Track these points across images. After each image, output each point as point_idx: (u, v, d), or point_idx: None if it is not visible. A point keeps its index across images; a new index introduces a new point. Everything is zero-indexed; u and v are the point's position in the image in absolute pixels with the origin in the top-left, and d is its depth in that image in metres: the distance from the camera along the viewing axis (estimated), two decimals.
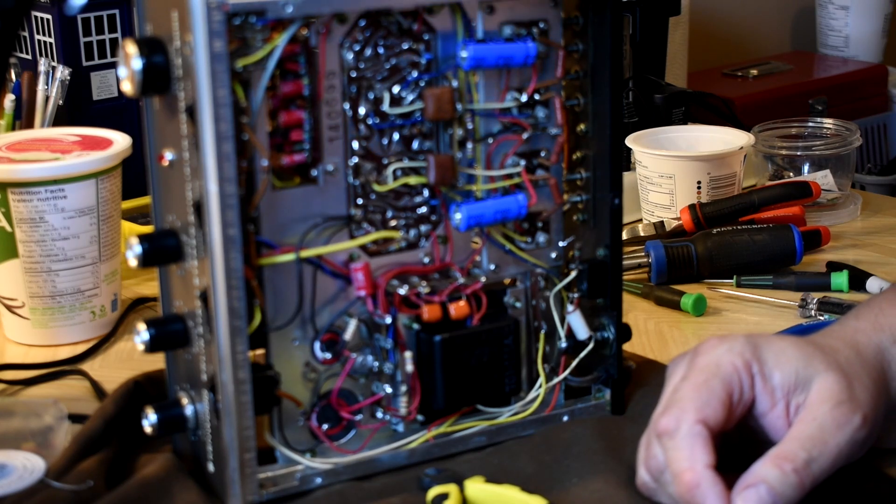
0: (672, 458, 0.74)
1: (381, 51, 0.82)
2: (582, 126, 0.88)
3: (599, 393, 0.91)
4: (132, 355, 1.07)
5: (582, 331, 0.89)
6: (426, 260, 0.85)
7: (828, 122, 1.42)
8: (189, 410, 0.81)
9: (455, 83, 0.84)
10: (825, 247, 1.25)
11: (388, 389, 0.85)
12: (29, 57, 1.41)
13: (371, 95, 0.82)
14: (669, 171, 1.27)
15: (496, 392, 0.87)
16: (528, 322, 0.89)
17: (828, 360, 0.77)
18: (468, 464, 0.84)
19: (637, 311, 1.13)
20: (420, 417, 0.85)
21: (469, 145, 0.85)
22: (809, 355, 0.77)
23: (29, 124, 1.34)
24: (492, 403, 0.88)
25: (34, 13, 1.38)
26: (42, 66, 1.34)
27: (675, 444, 0.74)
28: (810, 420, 0.75)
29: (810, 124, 1.43)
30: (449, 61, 0.83)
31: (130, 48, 0.77)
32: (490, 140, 0.85)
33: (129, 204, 1.26)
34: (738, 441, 0.79)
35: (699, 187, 1.27)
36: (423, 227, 0.85)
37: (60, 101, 1.34)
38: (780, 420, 0.77)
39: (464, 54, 0.83)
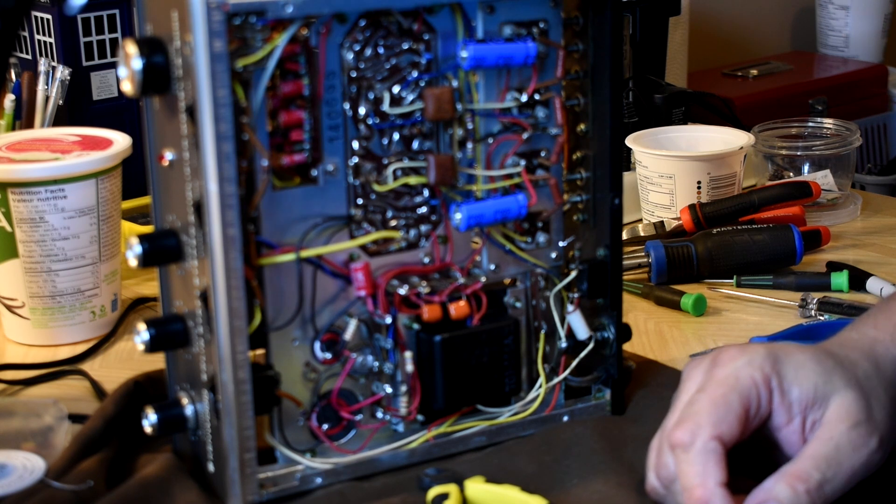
0: (684, 471, 0.74)
1: (381, 51, 0.82)
2: (582, 126, 0.88)
3: (599, 393, 0.91)
4: (132, 355, 1.07)
5: (582, 331, 0.89)
6: (426, 260, 0.85)
7: (828, 122, 1.42)
8: (189, 410, 0.81)
9: (455, 83, 0.84)
10: (825, 247, 1.25)
11: (388, 389, 0.85)
12: (29, 57, 1.41)
13: (371, 95, 0.82)
14: (669, 171, 1.27)
15: (496, 392, 0.87)
16: (528, 322, 0.89)
17: (847, 377, 0.76)
18: (468, 464, 0.84)
19: (637, 311, 1.13)
20: (420, 417, 0.85)
21: (469, 145, 0.85)
22: (829, 371, 0.76)
23: (29, 124, 1.34)
24: (492, 403, 0.88)
25: (34, 13, 1.38)
26: (42, 66, 1.34)
27: (689, 458, 0.74)
28: (827, 439, 0.75)
29: (810, 124, 1.43)
30: (449, 61, 0.83)
31: (130, 48, 0.77)
32: (490, 140, 0.85)
33: (129, 204, 1.26)
34: (751, 448, 0.78)
35: (699, 187, 1.27)
36: (423, 227, 0.85)
37: (60, 101, 1.34)
38: (796, 435, 0.76)
39: (464, 54, 0.83)
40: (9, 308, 1.09)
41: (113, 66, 1.39)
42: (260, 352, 0.81)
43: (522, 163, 0.87)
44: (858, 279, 1.15)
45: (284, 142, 0.80)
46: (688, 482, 0.74)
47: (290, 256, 0.80)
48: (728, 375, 0.76)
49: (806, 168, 1.36)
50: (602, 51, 0.86)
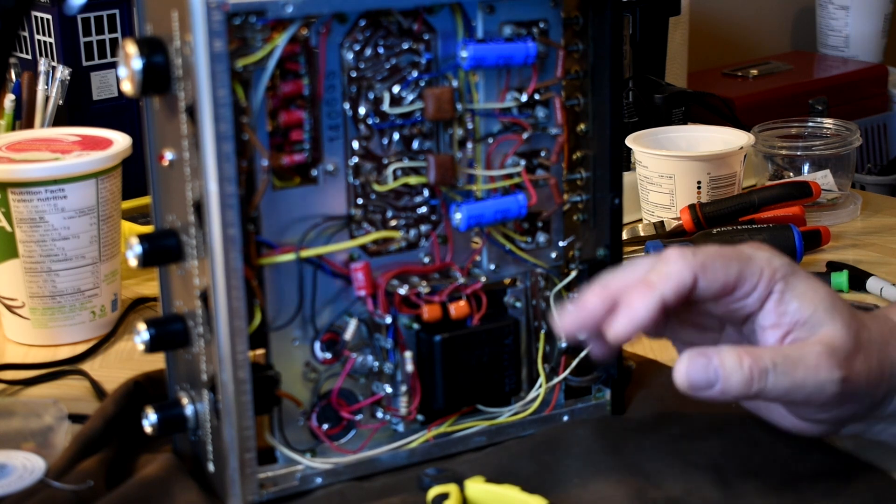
0: (655, 267, 0.76)
1: (381, 51, 0.82)
2: (582, 126, 0.88)
3: (599, 393, 0.91)
4: (132, 355, 1.07)
5: None
6: (426, 260, 0.85)
7: (828, 122, 1.42)
8: (189, 410, 0.81)
9: (455, 83, 0.84)
10: (825, 247, 1.25)
11: (388, 389, 0.85)
12: (29, 57, 1.41)
13: (371, 95, 0.82)
14: (669, 171, 1.27)
15: (496, 392, 0.87)
16: (528, 322, 0.89)
17: (850, 322, 0.76)
18: (468, 464, 0.84)
19: None
20: (420, 417, 0.85)
21: (469, 145, 0.85)
22: (838, 307, 0.76)
23: (29, 124, 1.34)
24: (492, 403, 0.88)
25: (34, 13, 1.38)
26: (42, 66, 1.34)
27: (664, 264, 0.75)
28: (797, 347, 0.75)
29: (810, 124, 1.43)
30: (449, 61, 0.83)
31: (130, 48, 0.77)
32: (490, 140, 0.85)
33: (129, 204, 1.26)
34: (728, 339, 0.79)
35: (699, 187, 1.27)
36: (423, 227, 0.85)
37: (60, 101, 1.34)
38: (774, 339, 0.77)
39: (464, 54, 0.83)
40: (9, 308, 1.09)
41: (113, 66, 1.39)
42: (260, 352, 0.81)
43: (522, 163, 0.87)
44: (858, 279, 1.15)
45: (284, 142, 0.80)
46: (648, 276, 0.75)
47: (290, 256, 0.80)
48: (745, 251, 0.77)
49: (806, 168, 1.36)
50: (602, 51, 0.86)
